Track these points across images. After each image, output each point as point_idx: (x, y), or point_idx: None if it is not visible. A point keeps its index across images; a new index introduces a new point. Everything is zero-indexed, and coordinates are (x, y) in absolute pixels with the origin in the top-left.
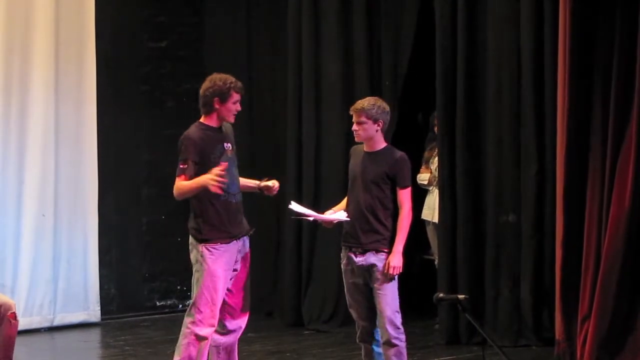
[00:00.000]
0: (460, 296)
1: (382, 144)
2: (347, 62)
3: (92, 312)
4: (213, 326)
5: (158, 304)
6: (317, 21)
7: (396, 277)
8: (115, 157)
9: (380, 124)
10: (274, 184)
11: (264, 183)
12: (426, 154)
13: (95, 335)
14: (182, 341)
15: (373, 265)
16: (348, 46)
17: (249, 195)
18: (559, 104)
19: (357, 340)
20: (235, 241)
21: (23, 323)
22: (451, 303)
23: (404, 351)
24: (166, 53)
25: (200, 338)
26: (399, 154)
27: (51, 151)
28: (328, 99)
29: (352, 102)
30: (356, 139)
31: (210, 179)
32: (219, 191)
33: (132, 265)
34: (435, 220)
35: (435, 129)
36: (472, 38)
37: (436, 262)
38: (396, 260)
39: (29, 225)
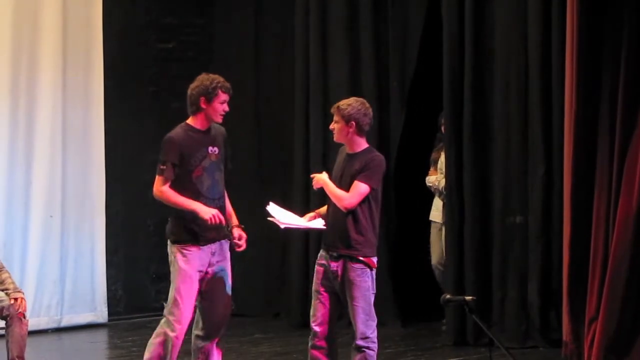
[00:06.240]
0: (468, 297)
1: (361, 146)
2: (354, 63)
3: (100, 313)
4: (183, 327)
5: (165, 304)
6: (324, 23)
7: (372, 286)
8: (123, 158)
9: (353, 124)
10: (240, 235)
11: (236, 228)
12: (434, 155)
13: (102, 336)
14: (154, 340)
15: (346, 275)
16: (355, 47)
17: (258, 195)
18: (566, 104)
19: (309, 346)
20: (209, 245)
21: (30, 324)
22: (458, 304)
23: (371, 359)
24: (173, 54)
25: (170, 338)
26: (375, 154)
27: (58, 152)
28: (335, 101)
29: None
30: (334, 139)
31: (211, 214)
32: (209, 221)
33: (140, 266)
34: (440, 221)
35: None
36: (479, 39)
37: (432, 264)
38: (322, 180)
39: (37, 226)
